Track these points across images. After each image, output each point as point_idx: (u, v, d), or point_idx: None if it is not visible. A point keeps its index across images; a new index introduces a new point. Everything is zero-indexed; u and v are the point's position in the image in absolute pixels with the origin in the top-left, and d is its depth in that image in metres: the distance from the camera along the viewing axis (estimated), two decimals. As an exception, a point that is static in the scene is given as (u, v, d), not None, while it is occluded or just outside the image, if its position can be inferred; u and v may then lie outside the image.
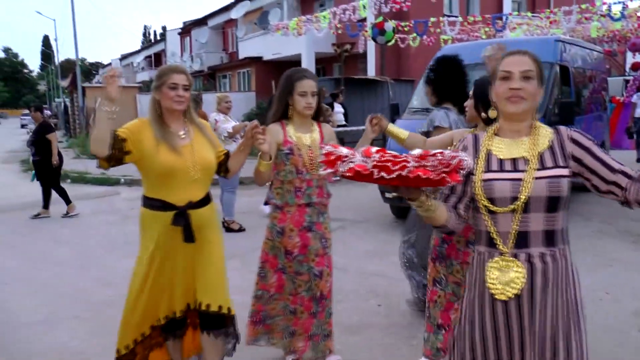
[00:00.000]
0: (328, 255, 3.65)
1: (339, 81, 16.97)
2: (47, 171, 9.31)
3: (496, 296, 2.02)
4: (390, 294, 5.08)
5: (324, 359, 3.66)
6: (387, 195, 7.46)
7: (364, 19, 15.34)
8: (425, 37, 14.87)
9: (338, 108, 13.61)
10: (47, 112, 52.36)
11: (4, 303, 5.29)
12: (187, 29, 41.64)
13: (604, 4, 12.48)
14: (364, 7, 13.28)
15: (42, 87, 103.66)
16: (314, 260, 3.56)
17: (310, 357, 3.64)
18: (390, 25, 11.33)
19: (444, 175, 1.77)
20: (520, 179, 2.01)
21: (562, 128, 2.12)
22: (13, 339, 4.47)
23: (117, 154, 2.97)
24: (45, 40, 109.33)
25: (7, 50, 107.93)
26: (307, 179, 3.52)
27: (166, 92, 3.03)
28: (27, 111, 68.99)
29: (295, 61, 25.90)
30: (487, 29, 14.41)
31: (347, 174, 1.79)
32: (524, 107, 2.05)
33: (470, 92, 3.43)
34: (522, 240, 2.02)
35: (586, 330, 2.08)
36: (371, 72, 22.11)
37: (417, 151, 1.81)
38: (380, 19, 11.78)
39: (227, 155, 3.31)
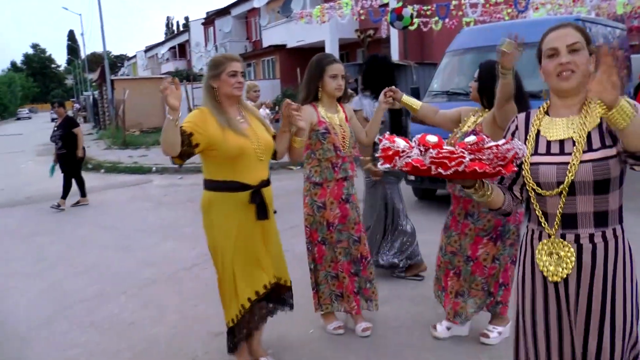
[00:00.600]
0: (361, 222, 4.01)
1: (363, 66, 17.11)
2: (72, 163, 9.69)
3: (549, 278, 2.02)
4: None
5: (376, 303, 4.05)
6: (409, 177, 7.68)
7: (386, 4, 15.46)
8: (447, 20, 14.91)
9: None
10: (77, 105, 53.40)
11: (57, 282, 5.70)
12: (210, 19, 41.87)
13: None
14: (386, -8, 13.42)
15: (69, 81, 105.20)
16: (353, 228, 3.89)
17: (365, 307, 4.02)
18: (408, 10, 11.47)
19: (500, 168, 1.79)
20: (566, 163, 1.95)
21: None
22: (71, 311, 4.88)
23: (187, 149, 3.05)
24: (71, 35, 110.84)
25: (35, 46, 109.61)
26: (343, 155, 3.83)
27: (226, 79, 3.19)
28: (56, 105, 69.77)
29: (319, 48, 25.99)
30: (509, 10, 14.39)
31: (405, 169, 1.82)
32: (577, 81, 1.99)
33: (476, 74, 3.72)
34: (569, 221, 1.99)
35: (638, 309, 2.06)
36: (394, 56, 22.15)
37: (471, 138, 1.84)
38: (400, 4, 11.93)
39: (274, 137, 3.50)
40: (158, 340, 4.20)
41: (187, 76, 27.30)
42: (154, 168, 13.66)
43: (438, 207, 7.49)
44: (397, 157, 1.84)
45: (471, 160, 1.76)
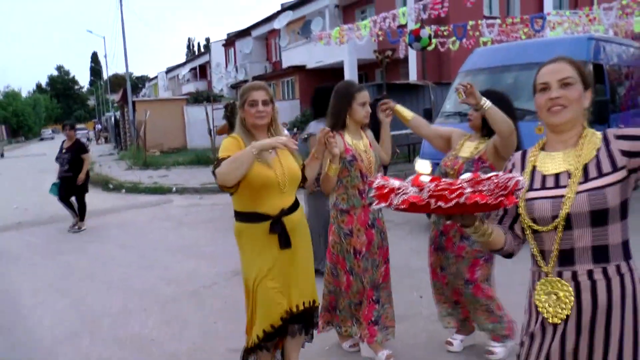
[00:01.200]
0: (385, 246, 3.97)
1: (381, 87, 17.27)
2: (79, 186, 9.64)
3: (548, 320, 1.95)
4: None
5: (393, 330, 4.01)
6: None
7: (404, 25, 15.62)
8: (464, 40, 15.04)
9: (381, 113, 13.97)
10: (98, 126, 54.22)
11: (81, 298, 5.87)
12: (231, 40, 42.49)
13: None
14: (404, 14, 13.58)
15: (91, 102, 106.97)
16: (377, 253, 3.88)
17: (381, 339, 3.91)
18: (425, 32, 11.62)
19: (501, 199, 1.71)
20: (561, 196, 1.91)
21: (609, 130, 1.98)
22: (95, 326, 5.04)
23: None
24: (94, 57, 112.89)
25: (59, 68, 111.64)
26: (369, 181, 3.85)
27: (247, 109, 3.24)
28: (78, 126, 71.37)
29: (338, 68, 26.30)
30: (525, 30, 14.48)
31: (402, 207, 1.75)
32: (568, 116, 1.97)
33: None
34: (566, 258, 1.93)
35: None
36: (413, 76, 22.34)
37: (466, 175, 1.77)
38: (418, 25, 12.10)
39: (303, 166, 3.45)
40: (179, 356, 4.30)
41: (207, 97, 27.68)
42: (174, 188, 13.84)
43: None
44: (392, 195, 1.78)
45: (472, 192, 1.71)
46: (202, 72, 51.30)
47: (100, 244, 8.55)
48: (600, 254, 1.90)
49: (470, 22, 14.51)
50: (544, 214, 1.94)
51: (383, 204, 1.79)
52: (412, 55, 21.28)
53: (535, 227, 1.96)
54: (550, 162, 2.01)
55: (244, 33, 39.36)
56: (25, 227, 10.32)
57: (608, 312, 1.88)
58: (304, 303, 3.37)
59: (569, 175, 1.94)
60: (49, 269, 7.19)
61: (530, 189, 2.02)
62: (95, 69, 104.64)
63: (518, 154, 2.17)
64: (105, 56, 64.77)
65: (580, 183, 1.90)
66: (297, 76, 29.82)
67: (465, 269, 3.74)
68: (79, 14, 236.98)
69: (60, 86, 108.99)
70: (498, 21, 14.88)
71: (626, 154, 1.90)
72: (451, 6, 13.37)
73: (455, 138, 3.92)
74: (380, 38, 15.41)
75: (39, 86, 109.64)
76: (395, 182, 1.80)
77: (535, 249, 1.99)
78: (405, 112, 4.07)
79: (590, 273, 1.90)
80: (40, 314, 5.43)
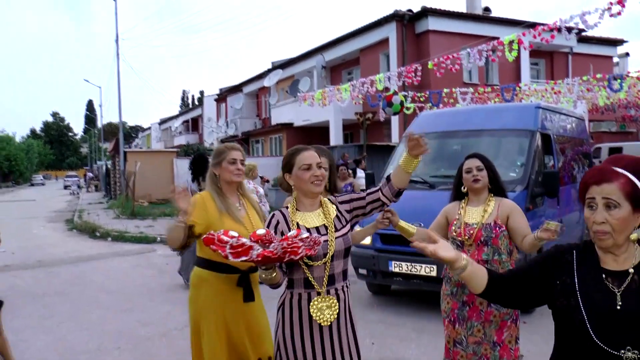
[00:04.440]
0: None
1: (362, 147, 18.03)
2: None
3: (322, 323, 2.71)
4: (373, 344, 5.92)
5: None
6: (361, 271, 7.36)
7: (384, 90, 16.50)
8: (440, 105, 15.88)
9: (360, 173, 14.66)
10: (89, 174, 54.72)
11: (63, 337, 6.37)
12: (223, 96, 43.52)
13: (604, 76, 13.21)
14: (380, 80, 14.45)
15: (84, 149, 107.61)
16: None
17: None
18: (397, 98, 12.33)
19: (316, 249, 2.50)
20: (326, 241, 2.75)
21: (333, 198, 2.96)
22: (71, 363, 5.52)
23: (189, 240, 3.34)
24: (89, 105, 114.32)
25: (55, 114, 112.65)
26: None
27: (226, 166, 3.51)
28: (70, 173, 70.88)
29: (324, 127, 27.11)
30: (497, 100, 15.35)
31: (257, 259, 2.35)
32: (322, 187, 2.88)
33: (473, 164, 3.92)
34: (331, 280, 2.78)
35: (355, 336, 2.87)
36: (395, 138, 23.19)
37: (261, 231, 2.49)
38: (391, 91, 12.85)
39: None
40: (146, 387, 4.80)
41: (197, 150, 28.40)
42: (158, 238, 14.32)
43: (395, 303, 7.55)
44: (251, 251, 2.37)
45: (305, 247, 2.44)
46: (195, 125, 52.11)
47: (83, 288, 9.03)
48: (344, 274, 2.87)
49: (445, 90, 15.41)
50: (318, 253, 2.72)
51: (244, 257, 2.40)
52: (394, 118, 22.16)
53: (310, 262, 2.75)
54: (310, 219, 2.87)
55: (236, 89, 40.39)
56: (12, 270, 10.76)
57: (350, 312, 2.87)
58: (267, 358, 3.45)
59: (326, 227, 2.83)
60: (33, 309, 7.65)
61: None
62: (90, 117, 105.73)
63: (279, 214, 2.91)
64: (101, 106, 65.26)
65: (336, 231, 2.82)
66: (284, 133, 30.38)
67: (494, 332, 3.74)
68: (77, 63, 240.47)
69: (55, 132, 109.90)
70: (471, 89, 15.80)
71: (349, 211, 2.93)
72: (431, 72, 14.10)
73: (452, 210, 4.06)
74: (360, 102, 16.24)
75: (33, 131, 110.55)
76: (242, 239, 2.44)
77: (310, 277, 2.76)
78: (409, 227, 3.81)
79: (342, 287, 2.85)
80: (21, 350, 5.86)
